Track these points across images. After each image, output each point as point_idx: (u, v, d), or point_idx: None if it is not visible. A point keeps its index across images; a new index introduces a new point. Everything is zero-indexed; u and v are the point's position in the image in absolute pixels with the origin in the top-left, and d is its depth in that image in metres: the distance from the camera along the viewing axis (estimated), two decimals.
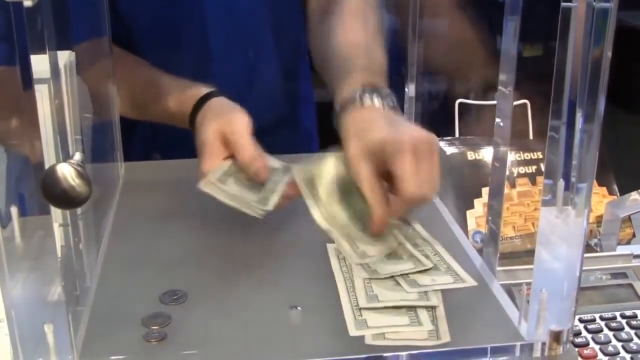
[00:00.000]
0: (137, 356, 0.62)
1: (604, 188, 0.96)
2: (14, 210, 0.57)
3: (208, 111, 0.89)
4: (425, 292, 0.68)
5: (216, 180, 0.80)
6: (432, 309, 0.66)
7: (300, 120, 1.27)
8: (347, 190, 0.80)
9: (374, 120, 0.79)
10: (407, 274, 0.71)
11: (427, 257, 0.74)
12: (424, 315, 0.65)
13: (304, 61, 1.22)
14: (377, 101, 0.81)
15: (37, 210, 0.56)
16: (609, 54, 0.55)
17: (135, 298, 0.70)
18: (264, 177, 0.81)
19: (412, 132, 0.75)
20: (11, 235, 0.57)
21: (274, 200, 0.79)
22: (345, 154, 0.77)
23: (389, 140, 0.74)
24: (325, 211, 0.79)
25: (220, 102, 0.90)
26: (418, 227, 0.81)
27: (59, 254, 0.62)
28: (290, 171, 0.83)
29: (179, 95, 0.95)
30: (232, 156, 0.83)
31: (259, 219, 0.76)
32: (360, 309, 0.66)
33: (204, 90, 0.92)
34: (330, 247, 0.79)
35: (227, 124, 0.84)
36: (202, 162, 0.82)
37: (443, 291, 0.69)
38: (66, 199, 0.54)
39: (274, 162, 0.86)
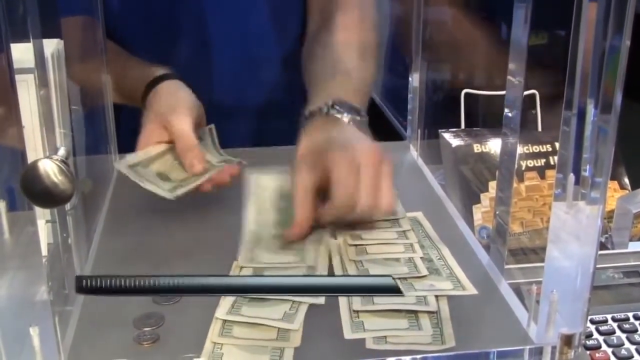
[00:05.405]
0: None
1: (615, 182, 0.93)
2: (1, 205, 0.55)
3: (157, 93, 0.88)
4: (425, 297, 0.66)
5: (137, 162, 0.80)
6: (433, 312, 0.63)
7: (297, 110, 1.24)
8: (287, 199, 0.79)
9: (331, 130, 0.80)
10: (404, 278, 0.68)
11: (429, 261, 0.72)
12: (424, 319, 0.63)
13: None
14: (343, 115, 0.83)
15: (27, 205, 0.54)
16: (628, 42, 0.52)
17: (127, 297, 0.68)
18: (198, 170, 0.80)
19: (359, 144, 0.76)
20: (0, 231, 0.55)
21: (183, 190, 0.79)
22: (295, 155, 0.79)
23: (334, 149, 0.75)
24: (258, 213, 0.80)
25: (171, 85, 0.89)
26: (427, 227, 0.79)
27: (45, 252, 0.59)
28: (215, 168, 0.82)
29: (136, 77, 0.93)
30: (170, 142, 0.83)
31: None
32: (355, 311, 0.64)
33: (157, 72, 0.90)
34: (332, 243, 0.76)
35: (171, 109, 0.83)
36: (137, 143, 0.83)
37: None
38: (48, 197, 0.51)
39: (212, 156, 0.85)
